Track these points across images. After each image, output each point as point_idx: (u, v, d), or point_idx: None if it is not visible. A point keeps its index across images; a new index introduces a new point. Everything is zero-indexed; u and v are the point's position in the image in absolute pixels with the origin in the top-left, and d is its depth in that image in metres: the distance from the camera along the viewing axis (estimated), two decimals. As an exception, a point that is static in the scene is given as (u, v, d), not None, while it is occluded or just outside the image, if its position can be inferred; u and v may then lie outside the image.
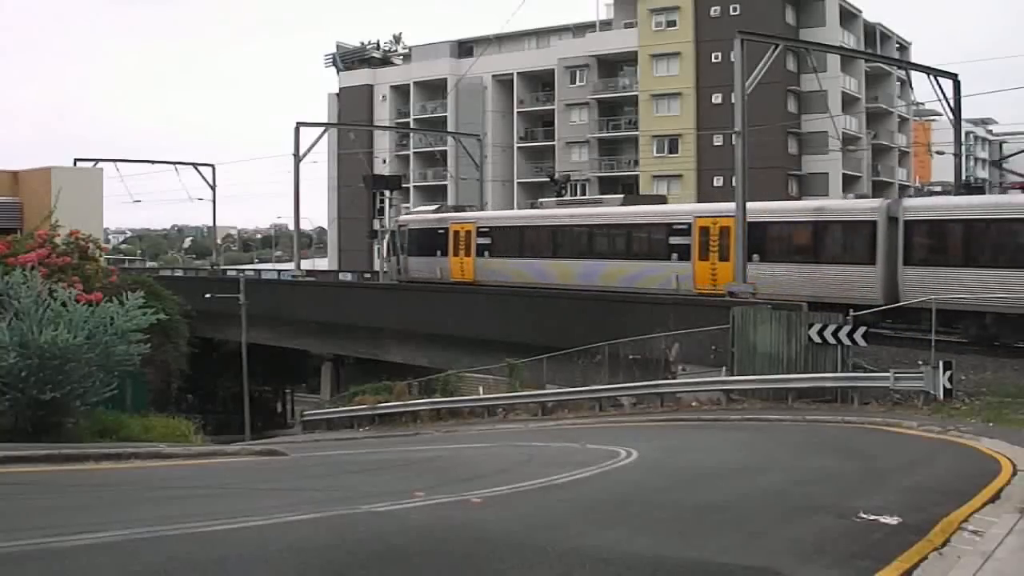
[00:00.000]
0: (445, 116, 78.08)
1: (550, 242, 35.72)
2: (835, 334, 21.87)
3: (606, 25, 73.20)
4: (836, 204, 29.73)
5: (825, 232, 28.25)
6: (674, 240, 30.93)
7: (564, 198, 46.02)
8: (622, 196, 42.13)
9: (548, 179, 56.94)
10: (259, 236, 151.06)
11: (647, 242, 32.42)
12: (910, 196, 29.41)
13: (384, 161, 79.98)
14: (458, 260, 38.48)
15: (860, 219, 27.32)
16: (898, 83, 69.62)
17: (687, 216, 31.45)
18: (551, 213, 37.77)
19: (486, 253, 37.44)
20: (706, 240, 29.84)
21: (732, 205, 27.88)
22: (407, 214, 47.32)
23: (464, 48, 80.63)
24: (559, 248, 35.22)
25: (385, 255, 42.97)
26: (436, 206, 46.63)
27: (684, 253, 30.42)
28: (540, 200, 44.20)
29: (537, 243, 36.28)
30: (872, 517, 8.67)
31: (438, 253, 39.34)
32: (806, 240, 28.48)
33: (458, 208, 44.89)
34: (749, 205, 27.73)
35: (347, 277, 53.78)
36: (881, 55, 62.35)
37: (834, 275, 27.05)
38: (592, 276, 32.80)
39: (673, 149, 65.49)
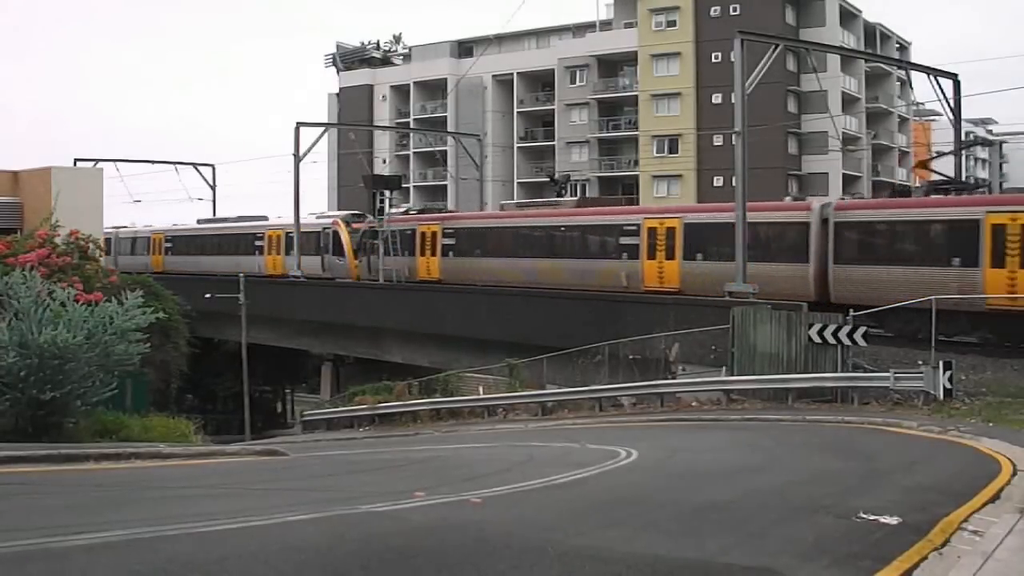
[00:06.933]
0: (445, 116, 78.00)
1: (512, 243, 36.87)
2: (835, 334, 21.86)
3: (606, 25, 73.11)
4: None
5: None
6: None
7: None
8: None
9: (548, 179, 56.83)
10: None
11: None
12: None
13: (384, 161, 79.87)
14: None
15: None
16: (898, 83, 69.61)
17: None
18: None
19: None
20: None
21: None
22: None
23: (464, 48, 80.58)
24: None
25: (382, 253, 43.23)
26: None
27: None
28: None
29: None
30: (872, 517, 8.68)
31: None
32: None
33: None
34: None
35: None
36: (881, 55, 62.35)
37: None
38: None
39: (673, 149, 65.42)
